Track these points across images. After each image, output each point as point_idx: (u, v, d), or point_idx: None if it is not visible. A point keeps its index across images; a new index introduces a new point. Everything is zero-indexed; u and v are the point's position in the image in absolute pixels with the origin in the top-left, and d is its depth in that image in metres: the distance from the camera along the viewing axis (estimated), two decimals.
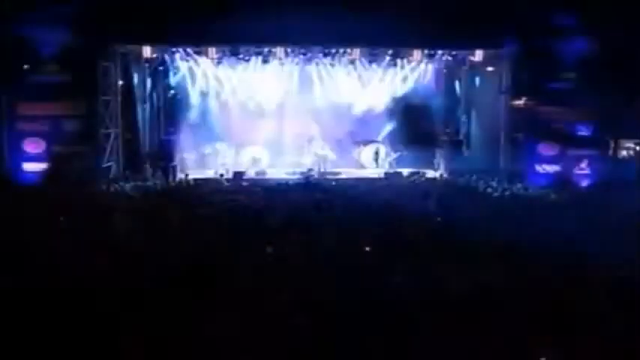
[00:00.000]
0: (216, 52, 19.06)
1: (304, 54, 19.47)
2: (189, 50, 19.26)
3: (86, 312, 6.59)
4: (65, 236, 9.94)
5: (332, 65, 20.48)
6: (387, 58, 19.72)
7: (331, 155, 21.04)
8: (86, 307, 6.72)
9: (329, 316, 6.67)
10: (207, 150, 20.67)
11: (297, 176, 19.01)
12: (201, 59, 19.71)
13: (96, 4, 16.41)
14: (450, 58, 20.07)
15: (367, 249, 9.25)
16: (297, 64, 20.26)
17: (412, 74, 20.96)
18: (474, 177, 18.32)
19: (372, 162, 21.81)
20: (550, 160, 18.62)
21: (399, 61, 20.07)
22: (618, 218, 11.76)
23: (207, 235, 10.18)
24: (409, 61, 20.18)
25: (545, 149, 18.63)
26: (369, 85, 21.06)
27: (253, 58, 19.53)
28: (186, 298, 7.25)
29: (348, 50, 19.16)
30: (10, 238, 9.30)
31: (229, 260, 8.62)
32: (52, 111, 17.46)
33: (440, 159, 21.19)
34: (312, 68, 20.68)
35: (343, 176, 19.70)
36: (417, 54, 19.50)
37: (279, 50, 18.99)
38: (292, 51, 19.22)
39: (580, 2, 17.19)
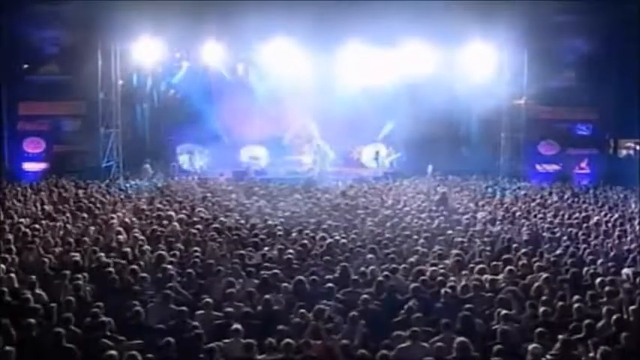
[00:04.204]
0: (218, 50, 19.01)
1: (304, 51, 19.35)
2: (189, 49, 19.24)
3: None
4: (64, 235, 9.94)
5: (332, 62, 20.35)
6: (387, 55, 19.60)
7: (331, 154, 20.98)
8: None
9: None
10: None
11: (297, 175, 18.98)
12: (202, 57, 19.66)
13: (96, 4, 16.40)
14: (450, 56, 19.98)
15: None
16: (296, 61, 20.14)
17: (412, 72, 20.84)
18: (474, 176, 18.29)
19: (373, 161, 21.78)
20: (550, 160, 18.63)
21: (399, 58, 19.96)
22: (618, 217, 11.75)
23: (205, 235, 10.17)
24: (409, 59, 20.07)
25: (546, 148, 18.65)
26: (369, 84, 20.94)
27: (254, 56, 19.47)
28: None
29: (348, 44, 19.02)
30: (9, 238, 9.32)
31: (227, 260, 8.63)
32: (52, 111, 17.50)
33: (440, 158, 21.13)
34: (311, 65, 20.57)
35: (343, 175, 19.61)
36: (417, 51, 19.43)
37: (278, 46, 18.89)
38: (292, 46, 19.08)
39: (580, 2, 17.19)
